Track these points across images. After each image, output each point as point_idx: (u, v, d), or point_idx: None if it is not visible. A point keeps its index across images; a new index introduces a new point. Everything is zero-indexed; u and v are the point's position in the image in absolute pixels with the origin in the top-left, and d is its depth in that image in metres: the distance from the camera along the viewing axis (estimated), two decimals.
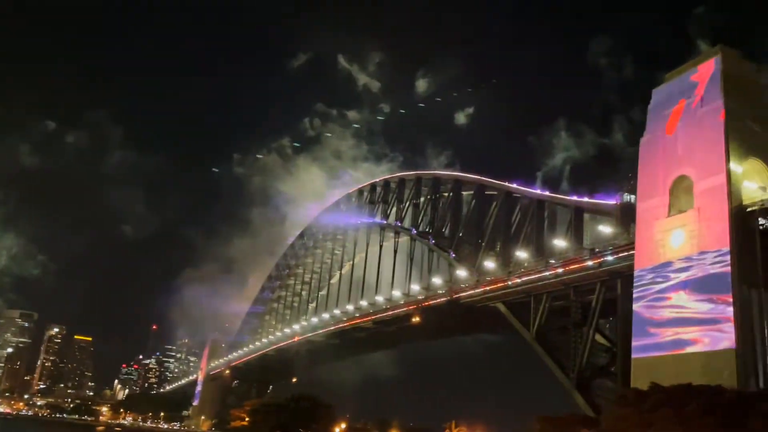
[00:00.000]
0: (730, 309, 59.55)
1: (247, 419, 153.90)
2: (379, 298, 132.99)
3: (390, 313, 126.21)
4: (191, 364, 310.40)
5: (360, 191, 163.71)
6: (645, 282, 69.49)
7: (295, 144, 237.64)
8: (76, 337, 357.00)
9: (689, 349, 62.40)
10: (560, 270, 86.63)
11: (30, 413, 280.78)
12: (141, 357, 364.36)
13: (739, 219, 62.81)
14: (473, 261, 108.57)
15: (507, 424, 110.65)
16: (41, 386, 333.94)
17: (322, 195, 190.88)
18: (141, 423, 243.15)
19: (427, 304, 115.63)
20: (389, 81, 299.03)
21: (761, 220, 63.10)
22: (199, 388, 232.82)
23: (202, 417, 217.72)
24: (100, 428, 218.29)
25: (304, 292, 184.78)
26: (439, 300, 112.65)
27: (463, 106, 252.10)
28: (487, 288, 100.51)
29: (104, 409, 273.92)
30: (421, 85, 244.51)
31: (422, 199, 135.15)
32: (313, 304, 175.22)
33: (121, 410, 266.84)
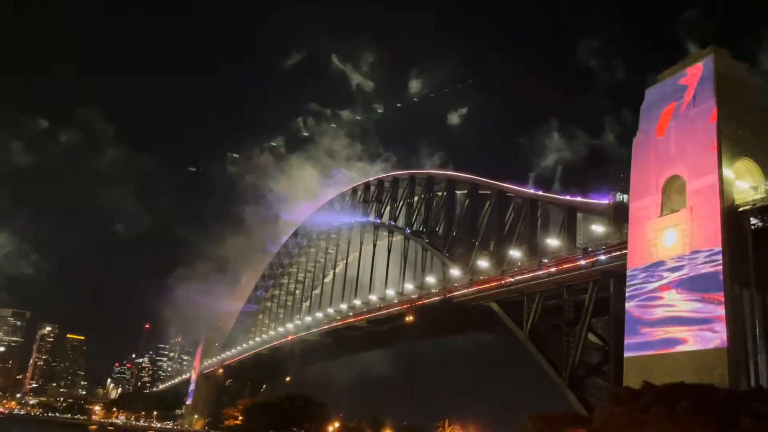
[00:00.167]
0: (722, 308, 59.85)
1: (240, 418, 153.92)
2: (373, 297, 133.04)
3: (383, 312, 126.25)
4: (184, 363, 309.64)
5: (354, 190, 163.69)
6: (637, 281, 69.76)
7: (289, 143, 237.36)
8: (68, 336, 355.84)
9: (681, 348, 62.68)
10: (553, 269, 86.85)
11: (22, 412, 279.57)
12: (134, 356, 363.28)
13: (731, 218, 63.14)
14: (467, 260, 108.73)
15: (500, 423, 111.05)
16: (33, 385, 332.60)
17: (316, 194, 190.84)
18: (134, 422, 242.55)
19: (420, 303, 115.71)
20: (382, 81, 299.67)
21: (753, 220, 63.52)
22: (192, 387, 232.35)
23: (195, 416, 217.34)
24: (93, 427, 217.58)
25: (297, 291, 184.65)
26: (432, 299, 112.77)
27: (456, 106, 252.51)
28: (481, 287, 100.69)
29: (97, 408, 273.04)
30: (414, 85, 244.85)
31: (416, 198, 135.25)
32: (307, 303, 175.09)
33: (114, 409, 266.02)
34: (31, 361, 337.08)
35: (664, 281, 66.50)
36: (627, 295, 70.75)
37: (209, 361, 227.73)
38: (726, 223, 62.47)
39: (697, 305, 62.30)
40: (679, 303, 64.30)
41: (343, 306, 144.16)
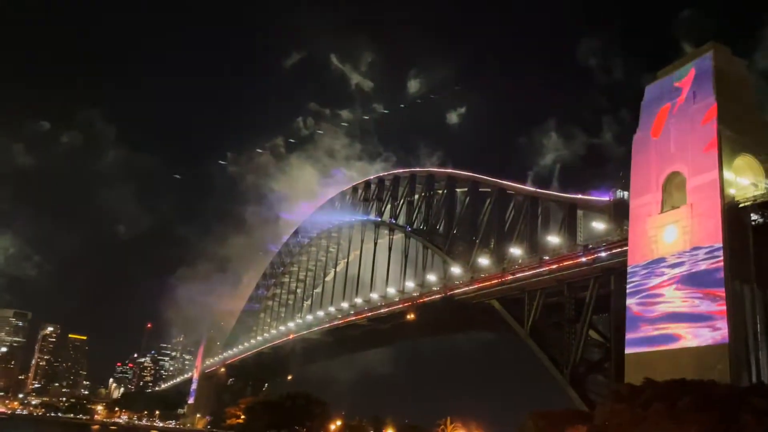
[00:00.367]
0: (723, 304, 59.90)
1: (242, 417, 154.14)
2: (374, 296, 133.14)
3: (384, 310, 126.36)
4: (186, 362, 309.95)
5: (354, 189, 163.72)
6: (638, 278, 69.79)
7: (290, 141, 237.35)
8: (70, 336, 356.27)
9: (682, 345, 62.70)
10: (554, 266, 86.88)
11: (25, 412, 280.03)
12: (136, 355, 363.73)
13: (732, 215, 63.15)
14: (467, 258, 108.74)
15: (501, 421, 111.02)
16: (36, 385, 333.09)
17: (316, 193, 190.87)
18: (136, 421, 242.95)
19: (421, 301, 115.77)
20: (382, 81, 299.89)
21: (753, 216, 63.51)
22: (194, 386, 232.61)
23: (198, 415, 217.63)
24: (96, 427, 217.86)
25: (299, 290, 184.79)
26: (433, 297, 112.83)
27: (455, 105, 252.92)
28: (482, 285, 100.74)
29: (99, 407, 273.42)
30: (413, 84, 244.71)
31: (416, 196, 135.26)
32: (308, 302, 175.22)
33: (117, 409, 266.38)
34: (33, 362, 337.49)
35: (665, 278, 66.53)
36: (627, 291, 70.79)
37: (211, 360, 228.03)
38: (726, 220, 62.48)
39: (697, 301, 62.36)
40: (680, 299, 64.33)
41: (345, 304, 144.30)
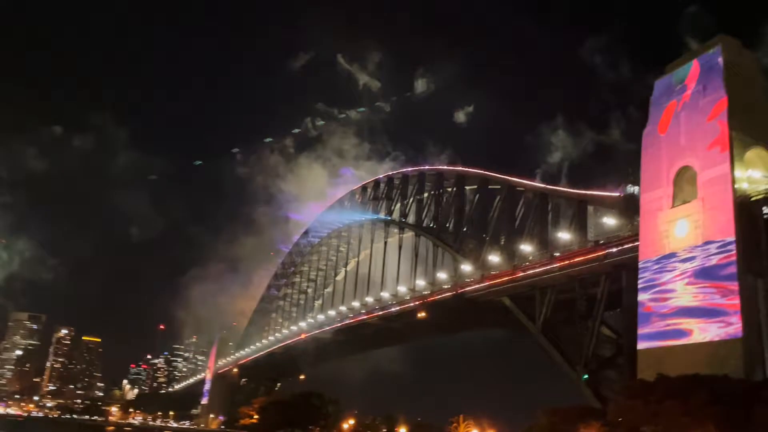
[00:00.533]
0: (736, 298, 59.54)
1: (255, 417, 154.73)
2: (385, 294, 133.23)
3: (395, 309, 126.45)
4: (199, 363, 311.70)
5: (363, 188, 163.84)
6: (649, 273, 69.46)
7: (298, 142, 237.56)
8: (84, 338, 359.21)
9: (694, 339, 62.38)
10: (565, 263, 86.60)
11: (40, 414, 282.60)
12: (149, 357, 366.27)
13: (744, 208, 62.73)
14: (478, 255, 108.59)
15: (514, 418, 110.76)
16: (51, 387, 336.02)
17: (326, 193, 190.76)
18: (150, 422, 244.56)
19: (432, 299, 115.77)
20: (389, 80, 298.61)
21: (766, 209, 62.98)
22: (207, 386, 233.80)
23: (211, 415, 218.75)
24: (110, 428, 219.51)
25: (309, 290, 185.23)
26: (444, 295, 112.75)
27: (462, 104, 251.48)
28: (492, 282, 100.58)
29: (114, 409, 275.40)
30: (420, 83, 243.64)
31: (426, 194, 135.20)
32: (320, 302, 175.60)
33: (131, 410, 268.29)
34: (48, 364, 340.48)
35: (677, 272, 66.20)
36: (639, 287, 70.47)
37: (224, 361, 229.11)
38: (738, 213, 62.08)
39: (710, 296, 62.02)
40: (692, 294, 64.00)
41: (356, 303, 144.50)
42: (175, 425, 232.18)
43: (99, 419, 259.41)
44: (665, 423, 53.02)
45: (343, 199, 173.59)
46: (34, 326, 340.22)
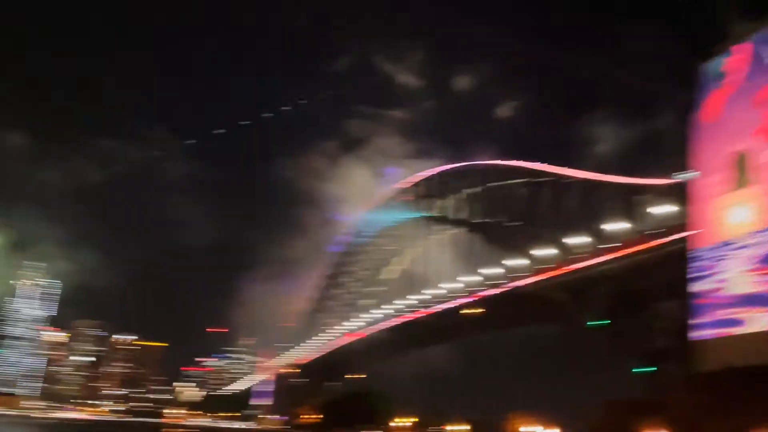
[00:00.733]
0: None
1: (312, 416, 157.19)
2: (435, 291, 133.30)
3: (446, 306, 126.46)
4: (254, 364, 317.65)
5: (409, 186, 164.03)
6: (704, 261, 67.55)
7: (341, 145, 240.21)
8: (144, 343, 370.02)
9: (754, 328, 60.34)
10: (617, 254, 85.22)
11: (107, 418, 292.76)
12: (206, 359, 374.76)
13: None
14: (528, 249, 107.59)
15: (570, 413, 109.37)
16: (115, 392, 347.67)
17: (371, 193, 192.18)
18: (211, 423, 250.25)
19: (482, 295, 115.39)
20: (430, 77, 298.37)
21: None
22: (263, 387, 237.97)
23: (269, 416, 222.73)
24: (175, 430, 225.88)
25: (360, 289, 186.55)
26: (495, 291, 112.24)
27: (506, 98, 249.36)
28: (544, 276, 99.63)
29: (175, 411, 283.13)
30: (463, 79, 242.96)
31: (473, 189, 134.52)
32: (370, 301, 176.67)
33: (192, 411, 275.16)
34: (113, 370, 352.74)
35: (733, 260, 64.21)
36: (693, 276, 68.64)
37: (278, 361, 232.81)
38: None
39: None
40: (752, 281, 61.97)
41: (406, 302, 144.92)
42: (236, 425, 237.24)
43: (161, 421, 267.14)
44: (727, 415, 51.73)
45: (389, 198, 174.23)
46: (99, 333, 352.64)
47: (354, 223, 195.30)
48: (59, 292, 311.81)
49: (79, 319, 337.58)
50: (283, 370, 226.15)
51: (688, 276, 69.74)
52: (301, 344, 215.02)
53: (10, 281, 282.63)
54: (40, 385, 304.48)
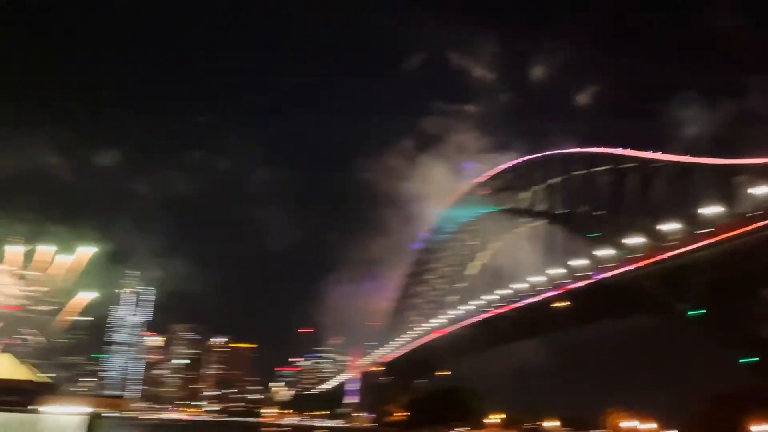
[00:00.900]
0: None
1: (402, 413, 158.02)
2: (520, 285, 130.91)
3: (532, 299, 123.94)
4: (342, 363, 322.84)
5: (488, 180, 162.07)
6: None
7: (418, 142, 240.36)
8: (237, 345, 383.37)
9: None
10: (715, 238, 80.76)
11: (205, 418, 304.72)
12: (296, 359, 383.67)
13: None
14: (616, 238, 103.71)
15: (670, 407, 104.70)
16: (212, 393, 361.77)
17: (450, 189, 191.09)
18: (304, 422, 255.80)
19: (569, 287, 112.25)
20: (504, 70, 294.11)
21: None
22: (352, 385, 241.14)
23: (360, 413, 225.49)
24: (270, 429, 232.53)
25: (443, 286, 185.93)
26: (581, 283, 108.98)
27: (586, 84, 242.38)
28: (635, 266, 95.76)
29: (269, 410, 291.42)
30: (538, 69, 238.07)
31: (554, 180, 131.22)
32: (454, 297, 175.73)
33: (284, 410, 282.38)
34: (207, 371, 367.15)
35: None
36: None
37: (365, 360, 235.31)
38: None
39: None
40: None
41: (490, 297, 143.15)
42: (329, 424, 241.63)
43: (257, 420, 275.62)
44: None
45: (469, 192, 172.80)
46: (194, 337, 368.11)
47: (434, 220, 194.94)
48: (154, 298, 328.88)
49: (174, 324, 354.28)
50: (368, 368, 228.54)
51: None
52: (387, 343, 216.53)
53: (115, 290, 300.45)
54: (140, 387, 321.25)
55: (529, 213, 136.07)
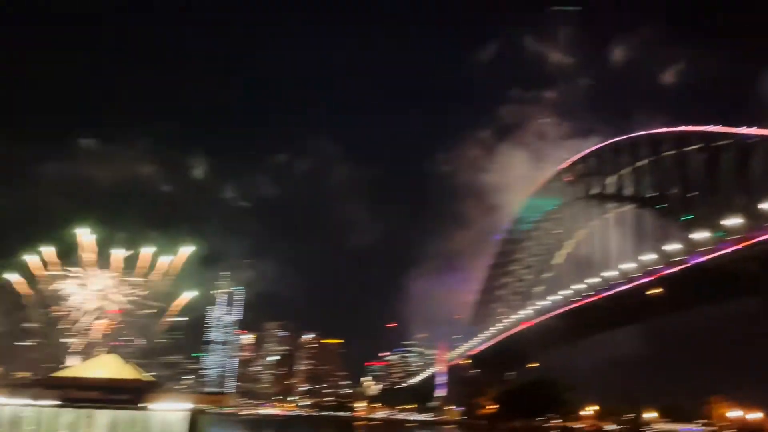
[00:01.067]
0: None
1: (492, 406, 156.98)
2: (609, 273, 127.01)
3: (623, 287, 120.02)
4: (430, 357, 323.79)
5: (571, 166, 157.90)
6: None
7: (497, 132, 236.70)
8: (326, 341, 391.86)
9: None
10: None
11: (298, 413, 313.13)
12: (384, 354, 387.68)
13: None
14: (711, 220, 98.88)
15: None
16: (303, 388, 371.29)
17: (532, 177, 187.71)
18: (394, 416, 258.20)
19: (662, 273, 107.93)
20: (583, 53, 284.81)
21: None
22: (440, 379, 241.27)
23: (449, 407, 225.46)
24: (361, 423, 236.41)
25: (529, 276, 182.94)
26: (676, 268, 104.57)
27: (669, 63, 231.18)
28: (734, 248, 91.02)
29: (359, 404, 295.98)
30: (618, 52, 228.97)
31: (641, 162, 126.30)
32: (540, 287, 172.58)
33: (374, 404, 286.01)
34: (298, 367, 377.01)
35: None
36: None
37: (453, 353, 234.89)
38: None
39: None
40: None
41: (579, 286, 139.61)
42: (419, 417, 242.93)
43: (348, 414, 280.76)
44: None
45: (551, 181, 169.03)
46: (285, 334, 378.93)
47: (517, 210, 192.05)
48: (244, 297, 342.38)
49: (264, 322, 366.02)
50: (456, 361, 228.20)
51: None
52: (474, 335, 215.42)
53: (209, 291, 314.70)
54: (236, 384, 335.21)
55: (617, 198, 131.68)
